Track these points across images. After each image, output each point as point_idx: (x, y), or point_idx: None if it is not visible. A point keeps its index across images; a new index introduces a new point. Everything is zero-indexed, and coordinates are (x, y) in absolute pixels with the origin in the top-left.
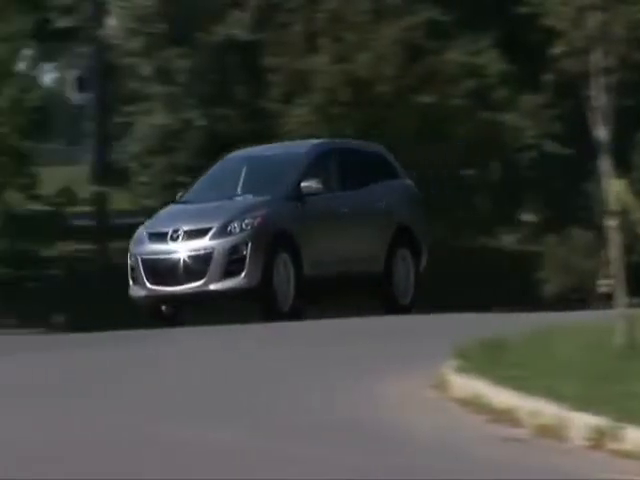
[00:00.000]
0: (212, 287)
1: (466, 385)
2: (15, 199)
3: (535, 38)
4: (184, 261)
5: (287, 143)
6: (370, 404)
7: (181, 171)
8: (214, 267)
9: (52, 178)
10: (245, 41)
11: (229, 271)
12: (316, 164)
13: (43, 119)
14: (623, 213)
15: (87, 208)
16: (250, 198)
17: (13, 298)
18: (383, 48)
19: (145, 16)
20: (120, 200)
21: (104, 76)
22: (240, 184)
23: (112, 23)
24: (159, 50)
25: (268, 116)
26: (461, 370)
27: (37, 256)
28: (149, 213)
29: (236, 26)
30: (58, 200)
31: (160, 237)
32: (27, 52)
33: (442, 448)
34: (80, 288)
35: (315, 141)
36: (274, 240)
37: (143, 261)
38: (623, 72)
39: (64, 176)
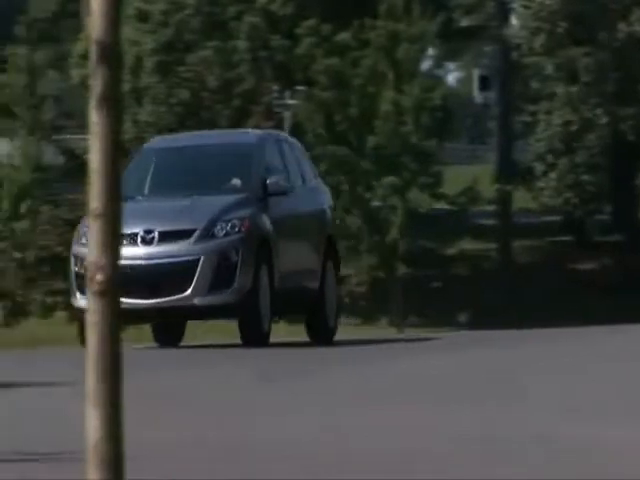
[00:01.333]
0: (197, 301)
1: None
2: (419, 198)
3: None
4: (162, 269)
5: (217, 132)
6: None
7: (584, 171)
8: (201, 277)
9: (455, 177)
10: None
11: (217, 282)
12: (269, 157)
13: (446, 118)
14: None
15: (490, 207)
16: (225, 197)
17: (416, 297)
18: None
19: (548, 15)
20: (523, 199)
21: (507, 75)
22: (193, 179)
23: (515, 22)
24: (562, 49)
25: None
26: None
27: (440, 255)
28: (552, 213)
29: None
30: (461, 199)
31: (128, 238)
32: (431, 52)
33: None
34: (483, 287)
35: (257, 131)
36: (259, 247)
37: None
38: None
39: (467, 175)
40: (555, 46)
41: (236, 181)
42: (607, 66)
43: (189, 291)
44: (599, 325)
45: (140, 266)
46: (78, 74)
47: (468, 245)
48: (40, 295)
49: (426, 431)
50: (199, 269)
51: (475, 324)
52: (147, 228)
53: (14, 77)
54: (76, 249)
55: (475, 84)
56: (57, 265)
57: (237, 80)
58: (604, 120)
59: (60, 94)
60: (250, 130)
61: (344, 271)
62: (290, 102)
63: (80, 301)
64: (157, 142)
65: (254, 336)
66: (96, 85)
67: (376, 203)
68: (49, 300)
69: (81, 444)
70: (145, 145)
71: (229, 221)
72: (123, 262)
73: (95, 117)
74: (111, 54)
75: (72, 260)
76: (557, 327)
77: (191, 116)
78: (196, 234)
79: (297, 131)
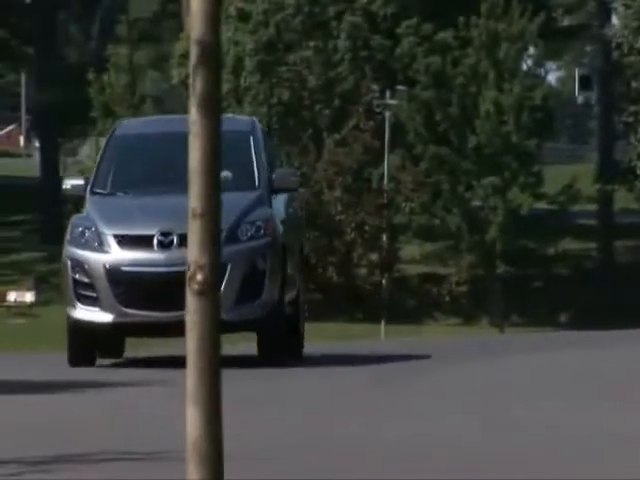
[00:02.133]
0: (224, 315)
1: None
2: (519, 197)
3: None
4: (182, 277)
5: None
6: None
7: None
8: (228, 287)
9: (556, 177)
10: None
11: (244, 293)
12: (266, 149)
13: (547, 117)
14: None
15: (591, 206)
16: (239, 194)
17: (518, 297)
18: None
19: None
20: (624, 199)
21: (608, 75)
22: (184, 172)
23: (616, 21)
24: None
25: None
26: None
27: (542, 254)
28: None
29: None
30: (561, 198)
31: (140, 242)
32: (532, 51)
33: None
34: (584, 287)
35: (240, 117)
36: (283, 253)
37: (111, 274)
38: None
39: (568, 175)
40: None
41: (227, 174)
42: None
43: None
44: None
45: (158, 274)
46: (178, 74)
47: (569, 245)
48: None
49: (582, 430)
50: (226, 278)
51: (575, 324)
52: (164, 230)
53: (115, 76)
54: (72, 251)
55: (576, 84)
56: None
57: (337, 80)
58: None
59: (160, 94)
60: (230, 115)
61: (444, 270)
62: (391, 102)
63: (79, 312)
64: (131, 127)
65: (278, 352)
66: (196, 85)
67: (476, 203)
68: None
69: (180, 443)
70: (117, 131)
71: (253, 223)
72: (136, 269)
73: (195, 117)
74: (211, 54)
75: (68, 264)
76: None
77: (292, 116)
78: (221, 237)
79: (398, 131)
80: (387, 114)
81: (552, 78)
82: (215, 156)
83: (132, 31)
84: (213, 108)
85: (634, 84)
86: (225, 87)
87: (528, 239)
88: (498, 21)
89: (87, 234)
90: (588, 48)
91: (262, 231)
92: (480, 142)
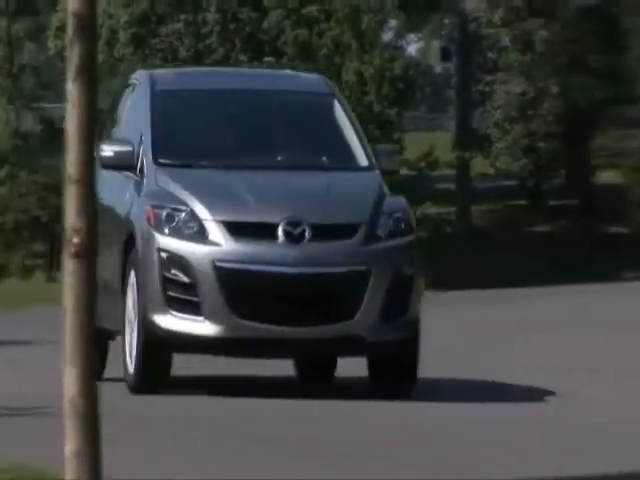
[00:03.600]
0: (366, 333)
1: None
2: None
3: None
4: (321, 282)
5: (259, 72)
6: None
7: (539, 138)
8: (371, 300)
9: (416, 144)
10: (598, 6)
11: (390, 307)
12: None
13: (407, 87)
14: None
15: (450, 172)
16: (349, 174)
17: None
18: None
19: None
20: (481, 165)
21: (466, 46)
22: (271, 141)
23: None
24: (518, 21)
25: (623, 81)
26: None
27: None
28: (508, 177)
29: None
30: (421, 165)
31: (259, 232)
32: (393, 23)
33: None
34: (443, 249)
35: (309, 75)
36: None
37: (221, 273)
38: None
39: (428, 142)
40: (512, 19)
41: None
42: (560, 38)
43: (356, 317)
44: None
45: (285, 276)
46: (54, 45)
47: (429, 210)
48: (20, 257)
49: None
50: (370, 285)
51: (438, 285)
52: (292, 218)
53: None
54: (165, 241)
55: (436, 55)
56: (36, 228)
57: (207, 51)
58: (556, 90)
59: (38, 65)
60: (290, 71)
61: None
62: None
63: (172, 321)
64: (170, 81)
65: (408, 386)
66: (73, 57)
67: None
68: (29, 262)
69: (60, 400)
70: (156, 86)
71: (391, 214)
72: (256, 268)
73: (72, 87)
74: (87, 26)
75: (156, 257)
76: (520, 287)
77: None
78: (360, 232)
79: None
80: None
81: (413, 49)
82: (91, 125)
83: (9, 3)
84: (89, 79)
85: (490, 55)
86: (99, 58)
87: None
88: None
89: (179, 218)
90: (447, 21)
91: (402, 225)
92: None
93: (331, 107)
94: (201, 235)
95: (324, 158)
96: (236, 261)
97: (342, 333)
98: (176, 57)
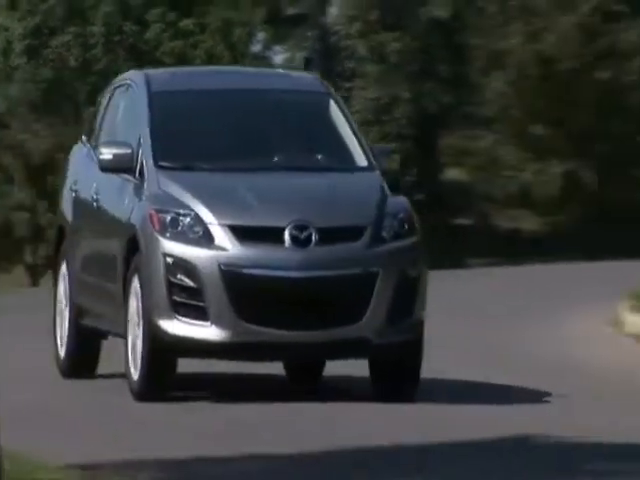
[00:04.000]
0: (373, 336)
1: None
2: None
3: None
4: (327, 286)
5: (266, 72)
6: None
7: (393, 139)
8: (378, 302)
9: None
10: (447, 22)
11: (396, 309)
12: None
13: None
14: None
15: None
16: (349, 175)
17: None
18: (565, 31)
19: (362, 4)
20: None
21: (327, 56)
22: (270, 142)
23: (334, 11)
24: (373, 34)
25: (468, 88)
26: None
27: None
28: None
29: (439, 9)
30: None
31: (265, 236)
32: (262, 36)
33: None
34: None
35: (302, 73)
36: None
37: (228, 277)
38: None
39: None
40: (368, 31)
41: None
42: (411, 48)
43: (364, 320)
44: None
45: (292, 280)
46: None
47: None
48: None
49: None
50: (377, 288)
51: None
52: (299, 222)
53: None
54: (169, 245)
55: (300, 64)
56: None
57: (93, 60)
58: (408, 96)
59: None
60: (282, 70)
61: None
62: None
63: (178, 326)
64: (166, 82)
65: (411, 389)
66: None
67: None
68: None
69: None
70: (152, 87)
71: (395, 216)
72: (261, 271)
73: None
74: None
75: (162, 262)
76: None
77: (55, 92)
78: (366, 235)
79: None
80: None
81: (279, 59)
82: None
83: None
84: None
85: (348, 65)
86: None
87: None
88: (230, 9)
89: (183, 223)
90: (309, 34)
91: (406, 226)
92: None
93: (328, 106)
94: (207, 239)
95: (324, 158)
96: (243, 265)
97: (350, 336)
98: (66, 66)
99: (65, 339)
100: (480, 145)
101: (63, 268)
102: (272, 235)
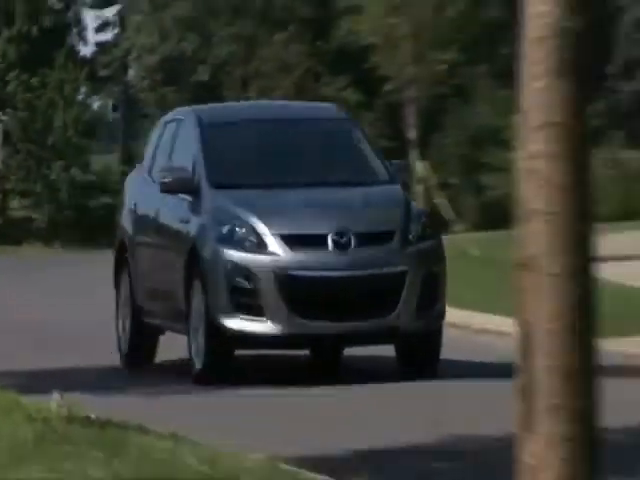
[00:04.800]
0: (403, 325)
1: None
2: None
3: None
4: (365, 283)
5: (295, 104)
6: None
7: None
8: (408, 294)
9: (97, 161)
10: (209, 82)
11: (422, 302)
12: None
13: (92, 128)
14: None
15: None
16: (377, 188)
17: None
18: (286, 88)
19: (151, 68)
20: None
21: (128, 103)
22: (305, 161)
23: (132, 72)
24: (159, 87)
25: None
26: None
27: None
28: None
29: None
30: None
31: (312, 242)
32: (84, 89)
33: None
34: None
35: (322, 104)
36: None
37: (281, 279)
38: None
39: (103, 162)
40: (155, 86)
41: (339, 169)
42: (188, 100)
43: (396, 311)
44: None
45: (336, 279)
46: None
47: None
48: None
49: None
50: (407, 283)
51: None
52: (340, 229)
53: None
54: (229, 253)
55: (109, 109)
56: None
57: None
58: None
59: None
60: (313, 103)
61: None
62: (3, 118)
63: (239, 323)
64: (214, 115)
65: (433, 368)
66: None
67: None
68: None
69: None
70: (202, 120)
71: (419, 220)
72: (310, 273)
73: None
74: None
75: (222, 268)
76: None
77: None
78: (396, 238)
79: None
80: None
81: (96, 105)
82: None
83: None
84: None
85: (145, 109)
86: None
87: None
88: (62, 71)
89: (240, 233)
90: (117, 88)
91: (427, 229)
92: (56, 141)
93: (350, 131)
94: (261, 247)
95: (352, 174)
96: (293, 268)
97: (385, 325)
98: None
99: (128, 335)
100: None
101: (124, 275)
102: (317, 241)
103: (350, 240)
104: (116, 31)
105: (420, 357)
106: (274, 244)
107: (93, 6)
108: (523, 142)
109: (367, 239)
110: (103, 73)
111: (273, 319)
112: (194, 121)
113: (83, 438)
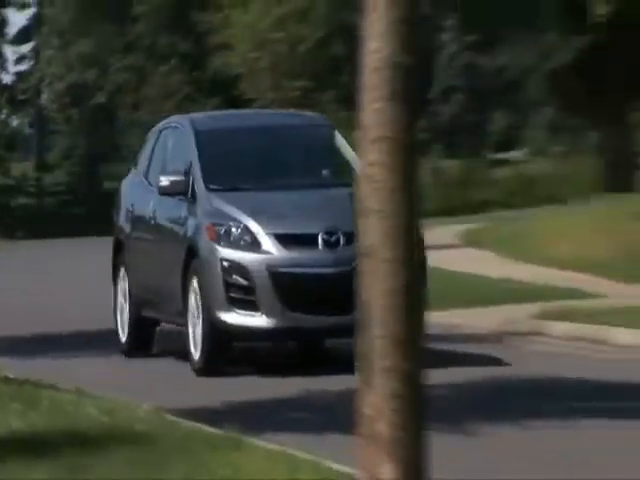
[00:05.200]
0: None
1: None
2: None
3: None
4: (352, 279)
5: (282, 112)
6: None
7: None
8: None
9: (16, 168)
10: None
11: None
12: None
13: (12, 141)
14: None
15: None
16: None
17: None
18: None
19: (60, 93)
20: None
21: (41, 122)
22: (294, 165)
23: (44, 97)
24: (67, 109)
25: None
26: None
27: None
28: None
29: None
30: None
31: (303, 241)
32: (5, 110)
33: None
34: None
35: (307, 113)
36: None
37: (275, 276)
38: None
39: (21, 168)
40: (63, 108)
41: (325, 172)
42: (87, 117)
43: None
44: None
45: (326, 275)
46: None
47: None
48: None
49: None
50: None
51: None
52: (329, 228)
53: None
54: (225, 251)
55: (26, 125)
56: None
57: None
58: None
59: None
60: (292, 110)
61: None
62: None
63: (235, 317)
64: (207, 122)
65: None
66: None
67: None
68: None
69: None
70: (196, 127)
71: None
72: (301, 270)
73: None
74: None
75: (218, 266)
76: None
77: None
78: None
79: None
80: None
81: (15, 123)
82: None
83: None
84: None
85: (56, 129)
86: None
87: None
88: None
89: (235, 233)
90: (32, 109)
91: None
92: None
93: (333, 136)
94: (255, 246)
95: (338, 176)
96: (286, 265)
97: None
98: None
99: (126, 327)
100: None
101: (122, 271)
102: (308, 240)
103: (339, 239)
104: (32, 63)
105: None
106: (267, 243)
107: (13, 42)
108: (362, 153)
109: (355, 237)
110: (21, 97)
111: (267, 313)
112: (190, 128)
113: (5, 394)
